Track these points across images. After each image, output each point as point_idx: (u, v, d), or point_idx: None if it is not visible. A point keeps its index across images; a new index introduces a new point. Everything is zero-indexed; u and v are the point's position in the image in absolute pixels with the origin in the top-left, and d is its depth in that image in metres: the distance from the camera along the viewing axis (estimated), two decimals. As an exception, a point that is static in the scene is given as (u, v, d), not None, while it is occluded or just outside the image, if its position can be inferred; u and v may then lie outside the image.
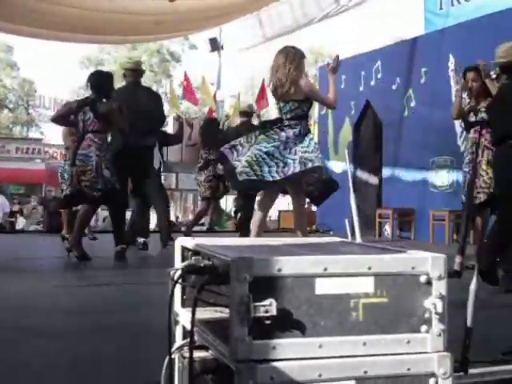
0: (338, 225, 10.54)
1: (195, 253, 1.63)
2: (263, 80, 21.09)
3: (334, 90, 5.47)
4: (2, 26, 10.22)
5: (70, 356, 2.65)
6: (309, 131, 5.56)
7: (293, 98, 5.38)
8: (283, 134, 5.31)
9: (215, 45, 20.74)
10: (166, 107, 13.30)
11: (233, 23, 14.46)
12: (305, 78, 5.50)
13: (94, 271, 6.25)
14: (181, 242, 1.80)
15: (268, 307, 1.26)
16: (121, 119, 6.80)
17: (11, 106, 42.49)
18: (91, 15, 9.49)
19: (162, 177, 10.48)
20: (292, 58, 5.41)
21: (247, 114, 10.29)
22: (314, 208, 13.83)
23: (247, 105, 11.64)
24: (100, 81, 6.90)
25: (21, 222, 18.00)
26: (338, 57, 5.58)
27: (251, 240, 1.90)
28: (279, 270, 1.29)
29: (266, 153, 5.19)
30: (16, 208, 19.83)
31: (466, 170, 6.01)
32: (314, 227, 13.42)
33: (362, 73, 12.83)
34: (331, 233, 11.18)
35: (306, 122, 5.57)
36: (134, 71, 7.80)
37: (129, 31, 11.56)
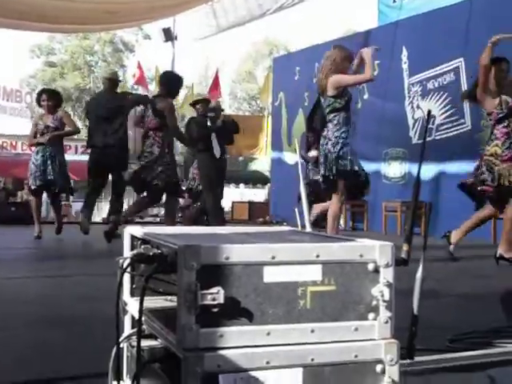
0: (291, 216, 10.56)
1: (144, 241, 1.62)
2: (217, 70, 21.10)
3: (371, 68, 6.04)
4: None
5: (17, 346, 2.61)
6: (347, 122, 6.13)
7: (328, 94, 6.04)
8: (325, 130, 6.08)
9: (169, 35, 20.60)
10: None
11: (186, 13, 14.39)
12: (335, 76, 5.99)
13: (42, 262, 6.18)
14: (129, 230, 1.78)
15: (215, 295, 1.26)
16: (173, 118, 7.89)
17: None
18: (41, 2, 9.33)
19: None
20: (331, 58, 6.09)
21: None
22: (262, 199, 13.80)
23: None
24: (170, 81, 8.17)
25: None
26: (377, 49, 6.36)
27: (201, 229, 1.90)
28: (227, 257, 1.29)
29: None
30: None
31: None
32: (267, 218, 13.48)
33: (316, 64, 12.86)
34: (285, 224, 11.21)
35: (346, 113, 6.09)
36: (109, 80, 8.95)
37: (81, 20, 11.39)
